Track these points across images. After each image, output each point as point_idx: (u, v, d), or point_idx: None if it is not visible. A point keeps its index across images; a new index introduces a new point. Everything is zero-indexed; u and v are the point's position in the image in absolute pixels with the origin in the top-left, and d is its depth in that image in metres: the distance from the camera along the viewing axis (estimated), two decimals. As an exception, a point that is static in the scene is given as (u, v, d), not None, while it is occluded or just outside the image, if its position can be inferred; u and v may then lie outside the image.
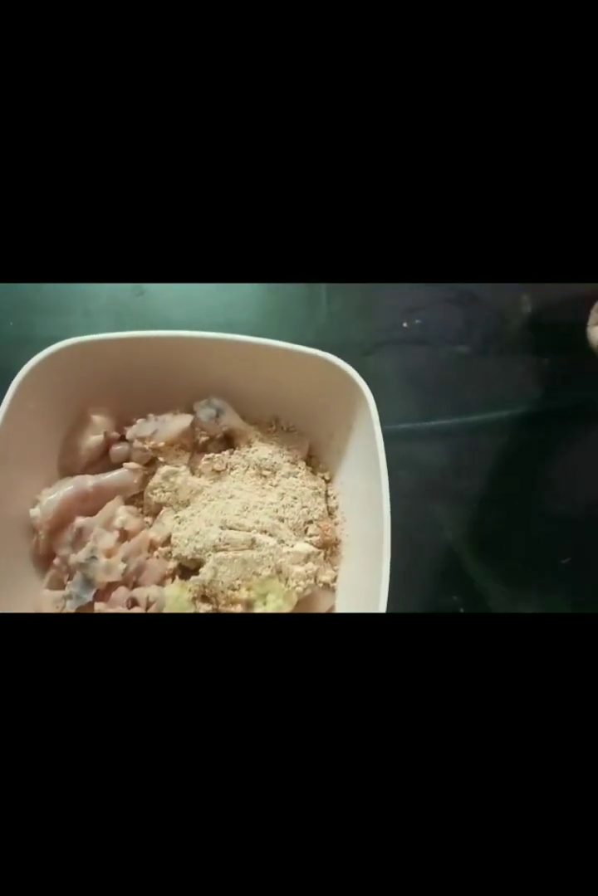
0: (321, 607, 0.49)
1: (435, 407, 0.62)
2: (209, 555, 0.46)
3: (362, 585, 0.46)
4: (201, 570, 0.46)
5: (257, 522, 0.48)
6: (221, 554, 0.46)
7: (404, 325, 0.65)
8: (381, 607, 0.42)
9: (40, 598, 0.47)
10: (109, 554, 0.47)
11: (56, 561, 0.48)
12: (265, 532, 0.48)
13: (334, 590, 0.50)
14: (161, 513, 0.50)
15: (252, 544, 0.47)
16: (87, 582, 0.46)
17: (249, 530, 0.47)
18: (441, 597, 0.54)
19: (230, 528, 0.47)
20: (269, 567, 0.47)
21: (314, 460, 0.55)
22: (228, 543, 0.47)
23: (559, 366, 0.64)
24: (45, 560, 0.49)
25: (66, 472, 0.51)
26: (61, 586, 0.48)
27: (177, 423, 0.51)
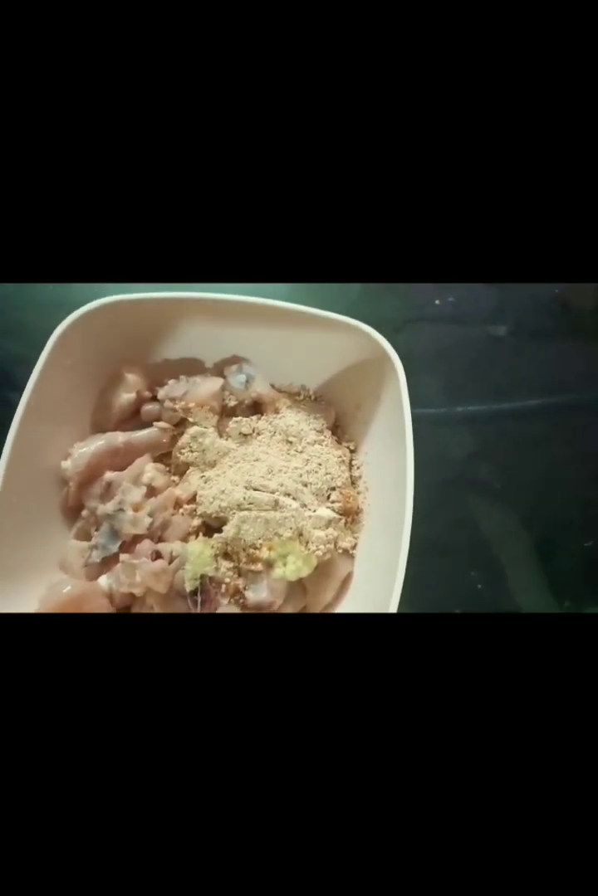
0: (340, 573, 0.49)
1: (464, 389, 0.62)
2: (233, 513, 0.47)
3: (382, 554, 0.47)
4: (224, 528, 0.47)
5: (281, 485, 0.49)
6: (245, 513, 0.47)
7: (437, 302, 0.65)
8: (399, 577, 0.43)
9: (67, 547, 0.49)
10: (136, 508, 0.48)
11: (84, 513, 0.50)
12: (288, 495, 0.49)
13: (353, 556, 0.51)
14: (188, 472, 0.51)
15: (275, 506, 0.48)
16: (114, 533, 0.48)
17: (272, 492, 0.48)
18: (460, 572, 0.55)
19: (255, 490, 0.48)
20: (290, 529, 0.47)
21: (340, 431, 0.56)
22: (252, 503, 0.47)
23: (591, 352, 0.64)
24: (73, 511, 0.51)
25: (99, 428, 0.53)
26: (88, 537, 0.49)
27: (207, 385, 0.52)
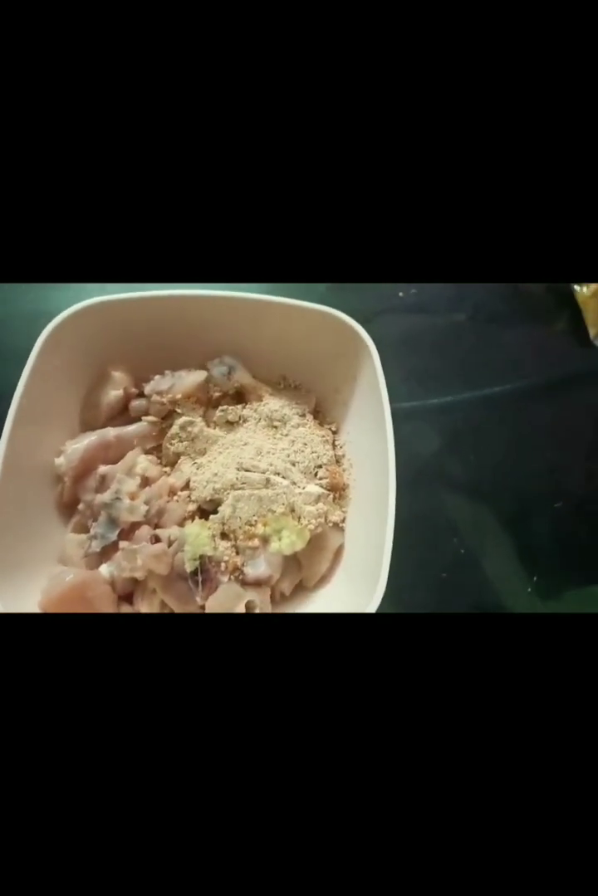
0: (332, 545, 0.51)
1: (432, 377, 0.66)
2: (227, 494, 0.49)
3: (370, 525, 0.49)
4: (220, 508, 0.49)
5: (271, 465, 0.51)
6: (239, 492, 0.49)
7: (400, 294, 0.69)
8: (387, 544, 0.45)
9: (66, 541, 0.50)
10: (131, 497, 0.49)
11: (81, 506, 0.51)
12: (278, 474, 0.51)
13: (342, 529, 0.53)
14: (179, 461, 0.53)
15: (267, 484, 0.50)
16: (112, 521, 0.49)
17: (263, 472, 0.50)
18: (442, 539, 0.58)
19: (246, 470, 0.50)
20: (283, 505, 0.49)
21: (321, 415, 0.58)
22: (244, 483, 0.49)
23: (545, 333, 0.69)
24: (69, 507, 0.52)
25: (88, 426, 0.54)
26: (85, 530, 0.50)
27: (192, 377, 0.54)
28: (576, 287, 0.68)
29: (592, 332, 0.67)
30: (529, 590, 0.56)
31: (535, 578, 0.56)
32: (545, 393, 0.67)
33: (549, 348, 0.69)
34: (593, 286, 0.67)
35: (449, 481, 0.62)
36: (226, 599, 0.48)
